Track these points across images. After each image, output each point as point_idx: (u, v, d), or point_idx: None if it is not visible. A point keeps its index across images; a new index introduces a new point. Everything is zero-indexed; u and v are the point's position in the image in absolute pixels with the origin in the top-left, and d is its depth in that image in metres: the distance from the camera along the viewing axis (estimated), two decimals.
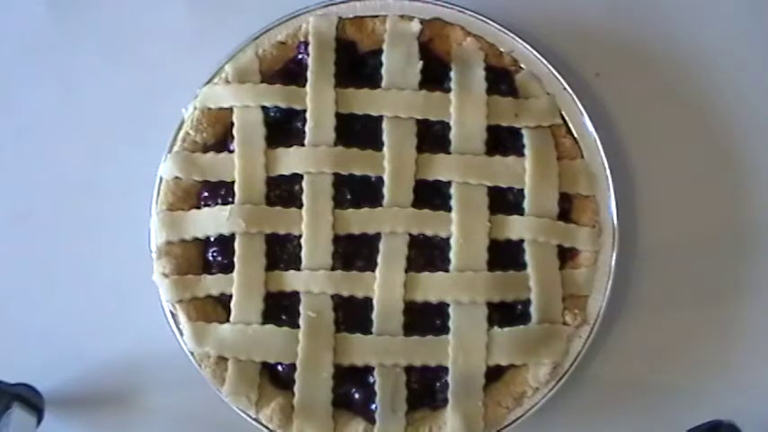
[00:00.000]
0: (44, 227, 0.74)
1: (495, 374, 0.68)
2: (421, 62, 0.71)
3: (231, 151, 0.71)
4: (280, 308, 0.69)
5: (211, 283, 0.69)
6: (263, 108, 0.71)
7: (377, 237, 0.69)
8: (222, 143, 0.71)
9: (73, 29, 0.77)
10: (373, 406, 0.67)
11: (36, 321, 0.73)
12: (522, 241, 0.69)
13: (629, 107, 0.73)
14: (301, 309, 0.68)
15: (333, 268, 0.69)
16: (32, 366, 0.71)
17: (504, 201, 0.70)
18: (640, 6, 0.75)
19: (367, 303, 0.68)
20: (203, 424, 0.71)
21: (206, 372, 0.68)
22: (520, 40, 0.72)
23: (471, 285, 0.68)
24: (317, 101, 0.70)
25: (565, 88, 0.72)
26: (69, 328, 0.73)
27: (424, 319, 0.68)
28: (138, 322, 0.72)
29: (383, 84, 0.71)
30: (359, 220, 0.69)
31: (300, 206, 0.69)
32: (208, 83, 0.72)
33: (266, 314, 0.69)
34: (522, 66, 0.72)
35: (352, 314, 0.69)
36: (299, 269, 0.69)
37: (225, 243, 0.69)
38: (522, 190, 0.70)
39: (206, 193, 0.71)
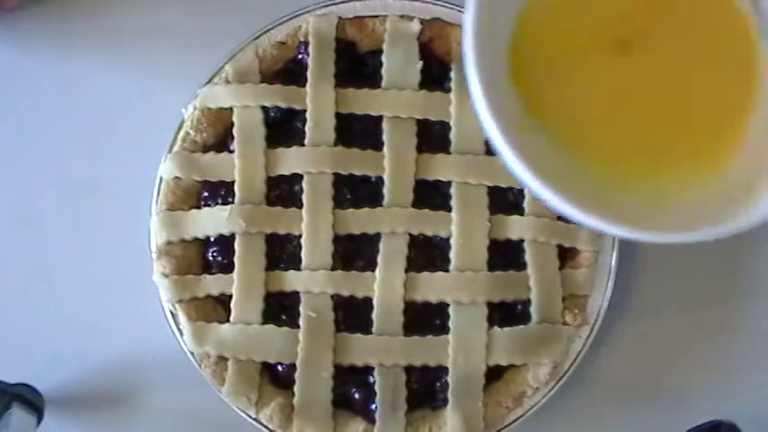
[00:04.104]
0: (44, 227, 0.74)
1: (495, 374, 0.68)
2: (421, 62, 0.71)
3: (231, 151, 0.71)
4: (280, 308, 0.69)
5: (211, 283, 0.69)
6: (263, 108, 0.71)
7: (377, 236, 0.69)
8: (222, 143, 0.71)
9: (72, 28, 0.77)
10: (373, 406, 0.67)
11: (36, 321, 0.73)
12: (521, 241, 0.69)
13: None
14: (301, 309, 0.68)
15: (333, 268, 0.69)
16: (32, 366, 0.71)
17: (504, 200, 0.70)
18: None
19: (367, 303, 0.68)
20: (203, 424, 0.71)
21: (206, 372, 0.68)
22: None
23: (471, 285, 0.68)
24: (317, 101, 0.70)
25: None
26: (69, 328, 0.73)
27: (424, 318, 0.68)
28: (138, 322, 0.72)
29: (383, 84, 0.71)
30: (359, 220, 0.69)
31: (300, 206, 0.69)
32: (208, 83, 0.72)
33: (266, 314, 0.69)
34: None
35: (352, 314, 0.69)
36: (299, 269, 0.69)
37: (225, 243, 0.69)
38: (522, 190, 0.70)
39: (206, 193, 0.71)
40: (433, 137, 0.70)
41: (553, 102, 0.60)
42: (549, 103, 0.60)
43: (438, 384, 0.68)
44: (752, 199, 0.55)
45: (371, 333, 0.68)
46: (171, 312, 0.69)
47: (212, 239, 0.70)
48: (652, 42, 0.60)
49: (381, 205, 0.69)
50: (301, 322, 0.68)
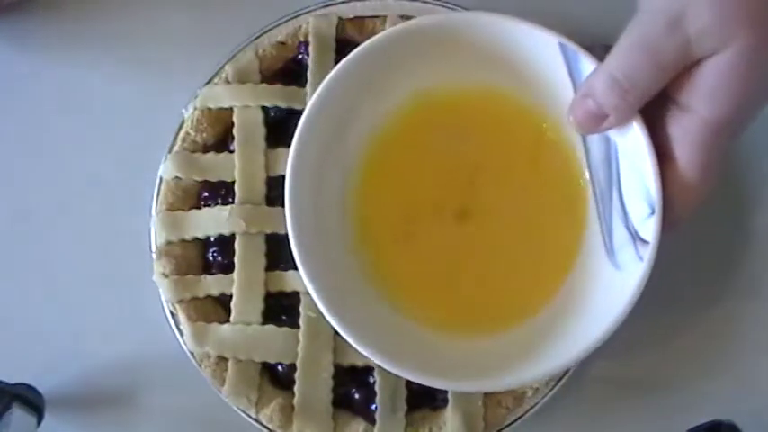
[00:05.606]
0: (44, 227, 0.74)
1: None
2: None
3: (231, 151, 0.71)
4: (280, 308, 0.69)
5: (211, 284, 0.69)
6: (263, 108, 0.71)
7: None
8: (222, 143, 0.71)
9: (73, 28, 0.77)
10: (373, 406, 0.67)
11: (36, 321, 0.73)
12: None
13: None
14: (301, 309, 0.68)
15: None
16: (32, 366, 0.71)
17: None
18: None
19: None
20: (203, 424, 0.71)
21: (206, 372, 0.68)
22: None
23: None
24: None
25: None
26: (69, 328, 0.73)
27: None
28: (138, 322, 0.72)
29: None
30: None
31: None
32: (208, 83, 0.72)
33: (266, 314, 0.69)
34: None
35: None
36: (298, 269, 0.69)
37: (225, 243, 0.69)
38: None
39: (206, 194, 0.71)
40: None
41: (385, 247, 0.66)
42: (379, 243, 0.66)
43: None
44: (538, 353, 0.61)
45: None
46: (171, 312, 0.69)
47: (212, 239, 0.70)
48: (491, 210, 0.65)
49: None
50: (301, 322, 0.68)
